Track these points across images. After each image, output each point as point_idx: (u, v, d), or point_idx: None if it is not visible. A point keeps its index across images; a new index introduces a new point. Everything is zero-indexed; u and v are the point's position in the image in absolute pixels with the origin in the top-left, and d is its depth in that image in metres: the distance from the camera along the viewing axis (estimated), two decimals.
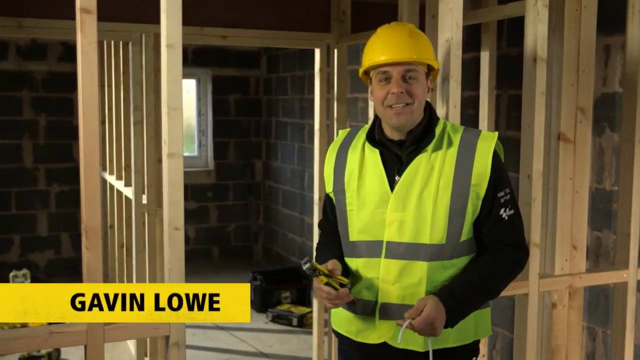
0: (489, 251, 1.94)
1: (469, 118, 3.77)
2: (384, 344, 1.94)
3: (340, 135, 2.11)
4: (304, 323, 5.38)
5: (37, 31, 3.42)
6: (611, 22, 3.10)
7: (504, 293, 2.46)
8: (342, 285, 1.91)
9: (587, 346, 3.34)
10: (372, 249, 1.93)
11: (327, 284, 1.87)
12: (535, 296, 2.51)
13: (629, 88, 2.71)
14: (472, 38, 3.75)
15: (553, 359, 2.76)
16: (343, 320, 2.03)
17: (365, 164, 1.97)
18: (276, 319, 5.51)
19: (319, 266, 1.86)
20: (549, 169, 2.71)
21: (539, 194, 2.48)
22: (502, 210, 1.91)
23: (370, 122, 2.08)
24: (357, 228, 1.96)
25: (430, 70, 1.97)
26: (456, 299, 1.84)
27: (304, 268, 1.83)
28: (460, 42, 2.31)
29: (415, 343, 1.91)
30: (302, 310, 5.53)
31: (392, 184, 1.92)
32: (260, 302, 5.73)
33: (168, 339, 2.02)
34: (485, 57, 3.62)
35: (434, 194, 1.88)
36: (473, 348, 2.00)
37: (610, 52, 3.20)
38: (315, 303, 4.11)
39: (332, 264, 1.92)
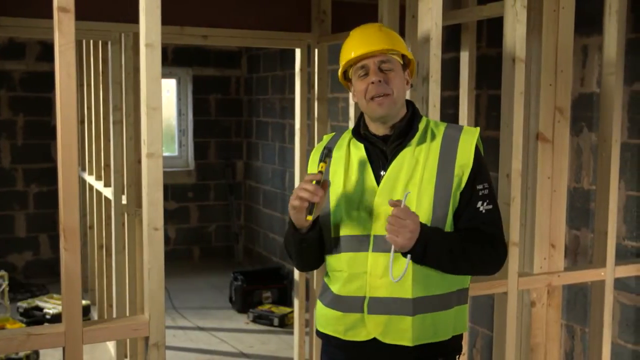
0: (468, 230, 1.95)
1: (449, 118, 3.79)
2: (373, 340, 1.95)
3: (325, 138, 2.15)
4: (285, 323, 5.38)
5: (15, 30, 3.39)
6: (589, 23, 3.13)
7: (483, 292, 2.49)
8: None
9: (566, 344, 3.37)
10: (359, 243, 1.94)
11: (320, 173, 1.87)
12: (514, 294, 2.53)
13: (606, 88, 2.74)
14: (451, 38, 3.77)
15: (532, 357, 2.78)
16: (329, 320, 2.03)
17: (351, 160, 2.00)
18: (257, 319, 5.50)
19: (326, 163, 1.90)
20: (528, 169, 2.73)
21: (517, 193, 2.50)
22: (479, 203, 1.93)
23: (351, 122, 2.10)
24: (343, 223, 1.96)
25: (406, 63, 2.00)
26: (431, 234, 1.84)
27: (326, 149, 1.90)
28: (439, 42, 2.32)
29: (403, 337, 1.91)
30: (283, 310, 5.52)
31: (378, 179, 1.94)
32: (241, 303, 5.72)
33: (148, 339, 2.01)
34: (464, 57, 3.64)
35: (418, 186, 1.90)
36: (455, 345, 2.02)
37: (587, 53, 3.23)
38: (296, 303, 4.11)
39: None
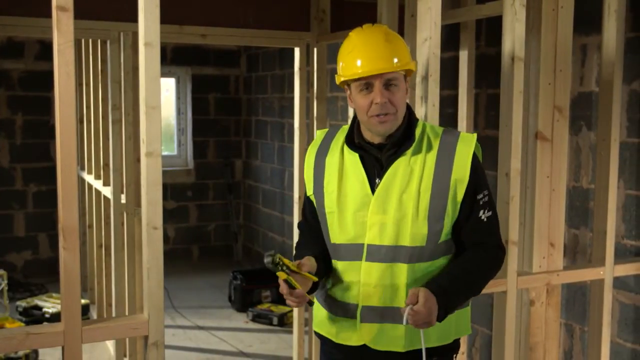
0: (469, 250, 1.95)
1: (448, 117, 3.79)
2: (364, 346, 1.95)
3: (318, 135, 2.10)
4: (284, 322, 5.38)
5: (14, 29, 3.39)
6: (588, 22, 3.13)
7: (482, 291, 2.48)
8: (314, 284, 1.91)
9: (565, 343, 3.37)
10: (353, 251, 1.93)
11: (286, 281, 1.84)
12: (513, 294, 2.53)
13: (605, 87, 2.74)
14: (451, 37, 3.77)
15: (531, 356, 2.79)
16: (324, 321, 2.04)
17: (346, 167, 1.96)
18: (256, 318, 5.50)
19: (284, 259, 1.83)
20: (527, 168, 2.73)
21: (516, 192, 2.50)
22: (481, 212, 1.92)
23: (349, 121, 2.07)
24: (338, 231, 1.95)
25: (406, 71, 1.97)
26: (444, 290, 1.84)
27: (265, 261, 1.82)
28: (439, 41, 2.32)
29: (396, 344, 1.91)
30: (283, 309, 5.52)
31: (372, 187, 1.92)
32: (241, 302, 5.72)
33: (147, 339, 2.01)
34: (464, 56, 3.64)
35: (414, 197, 1.88)
36: (454, 345, 2.02)
37: (587, 52, 3.23)
38: None
39: (305, 260, 1.92)
